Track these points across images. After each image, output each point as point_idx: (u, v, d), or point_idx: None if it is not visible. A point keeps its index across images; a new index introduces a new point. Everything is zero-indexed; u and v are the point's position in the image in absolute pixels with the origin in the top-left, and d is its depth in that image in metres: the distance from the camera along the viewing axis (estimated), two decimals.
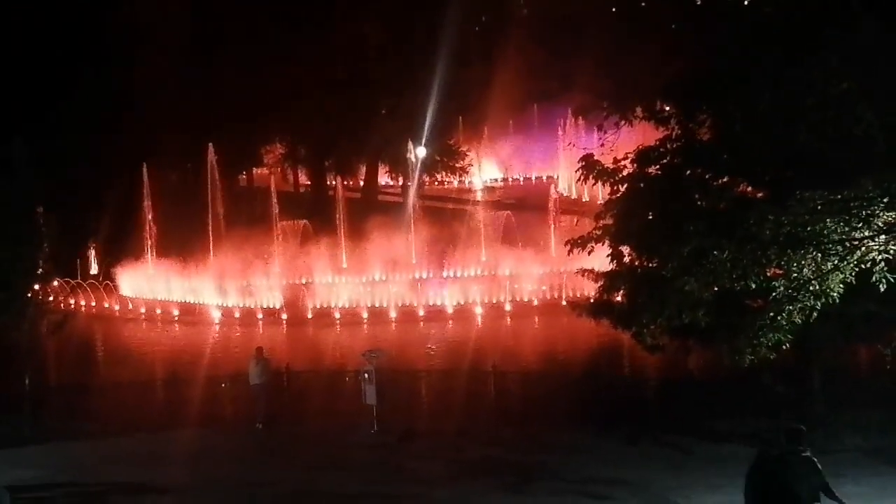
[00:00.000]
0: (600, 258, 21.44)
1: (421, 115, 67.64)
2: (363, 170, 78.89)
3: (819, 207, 15.09)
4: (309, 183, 79.05)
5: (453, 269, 50.27)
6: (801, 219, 15.22)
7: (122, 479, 20.77)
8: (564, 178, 72.15)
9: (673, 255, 17.57)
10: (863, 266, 15.28)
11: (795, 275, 15.87)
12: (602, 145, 21.30)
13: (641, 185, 20.69)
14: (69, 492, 20.24)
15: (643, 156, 20.79)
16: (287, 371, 28.01)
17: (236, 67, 64.25)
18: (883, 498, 17.31)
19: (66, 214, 43.45)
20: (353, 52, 69.42)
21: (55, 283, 47.94)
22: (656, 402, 25.41)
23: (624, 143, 21.49)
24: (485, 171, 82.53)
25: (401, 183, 74.77)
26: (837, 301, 15.97)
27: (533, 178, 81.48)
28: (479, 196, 71.50)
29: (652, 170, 20.77)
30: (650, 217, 20.31)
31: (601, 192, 37.02)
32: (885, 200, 14.66)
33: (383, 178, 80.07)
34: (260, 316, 46.28)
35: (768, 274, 16.92)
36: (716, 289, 17.44)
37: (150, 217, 55.67)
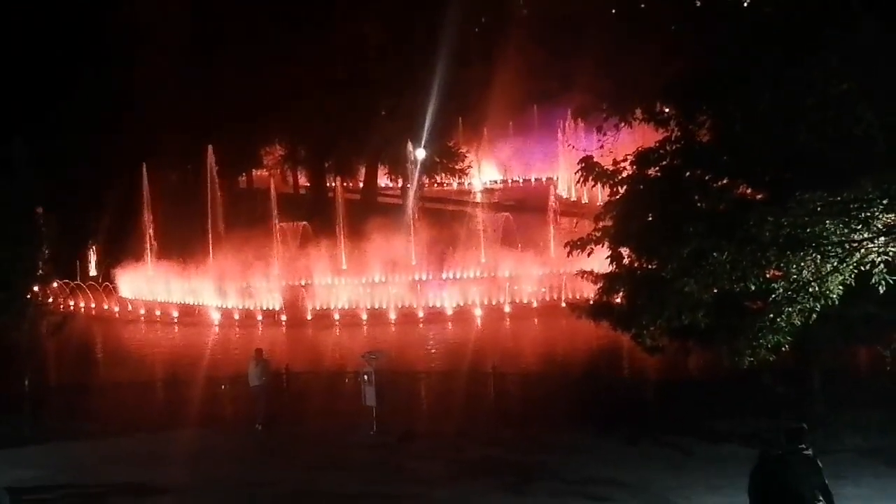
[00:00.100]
0: (600, 260, 21.42)
1: (421, 116, 67.58)
2: (363, 171, 78.84)
3: (819, 209, 15.06)
4: (308, 184, 78.99)
5: (453, 270, 50.17)
6: (801, 220, 15.20)
7: (122, 480, 20.77)
8: (564, 179, 71.97)
9: (672, 256, 17.54)
10: (862, 268, 15.27)
11: (795, 276, 15.86)
12: (601, 147, 21.29)
13: (641, 186, 20.66)
14: (69, 492, 20.22)
15: (643, 157, 20.76)
16: (287, 372, 27.97)
17: (236, 67, 64.25)
18: (883, 499, 17.35)
19: (66, 214, 43.46)
20: (353, 52, 69.41)
21: (55, 284, 48.04)
22: (656, 402, 25.35)
23: (623, 144, 21.47)
24: (484, 172, 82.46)
25: (400, 185, 74.72)
26: (837, 303, 15.95)
27: (532, 180, 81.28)
28: (478, 198, 71.55)
29: (651, 171, 20.75)
30: (650, 219, 20.29)
31: (601, 194, 37.13)
32: (884, 202, 14.63)
33: (383, 180, 79.99)
34: (259, 317, 46.25)
35: (768, 275, 16.90)
36: (715, 290, 17.40)
37: (149, 218, 55.62)
